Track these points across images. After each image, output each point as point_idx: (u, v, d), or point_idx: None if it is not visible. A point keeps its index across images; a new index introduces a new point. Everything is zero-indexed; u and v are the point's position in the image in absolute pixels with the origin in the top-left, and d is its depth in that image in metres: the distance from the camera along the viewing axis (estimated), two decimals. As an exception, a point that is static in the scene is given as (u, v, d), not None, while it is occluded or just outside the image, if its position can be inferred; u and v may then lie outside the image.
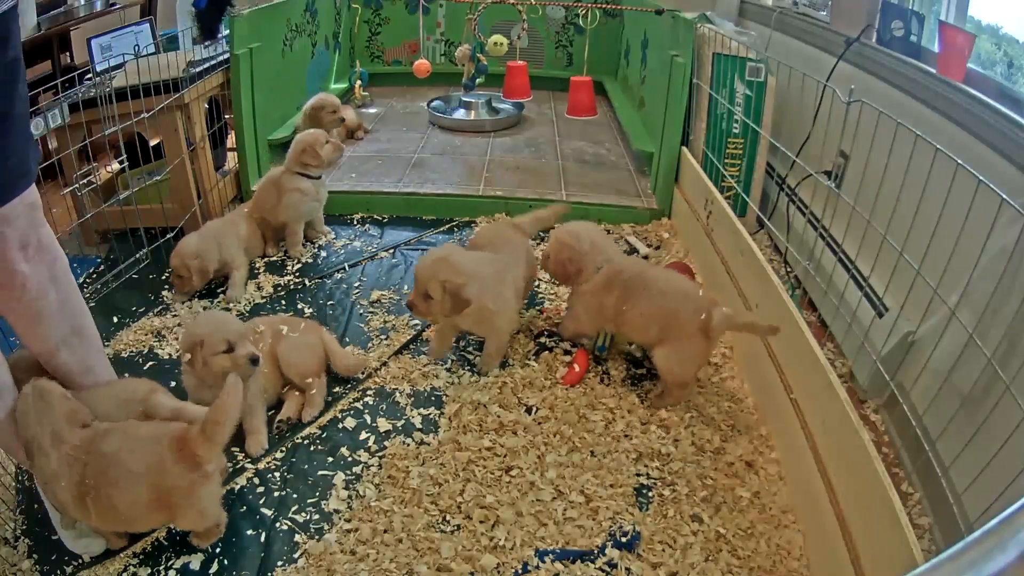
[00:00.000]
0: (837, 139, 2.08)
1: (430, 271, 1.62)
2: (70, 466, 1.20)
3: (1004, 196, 1.18)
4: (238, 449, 1.56)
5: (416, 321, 2.03)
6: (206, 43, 1.99)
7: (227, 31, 2.62)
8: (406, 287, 2.20)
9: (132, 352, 1.88)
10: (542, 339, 1.91)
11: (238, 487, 1.47)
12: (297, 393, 1.69)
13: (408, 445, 1.57)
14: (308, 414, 1.65)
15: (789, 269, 2.29)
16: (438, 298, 1.61)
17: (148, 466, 1.21)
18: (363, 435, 1.61)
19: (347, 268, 2.32)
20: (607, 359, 1.84)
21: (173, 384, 1.75)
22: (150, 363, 1.84)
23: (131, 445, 1.23)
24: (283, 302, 2.13)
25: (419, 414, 1.67)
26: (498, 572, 1.27)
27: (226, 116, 2.79)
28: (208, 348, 1.48)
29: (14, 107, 1.09)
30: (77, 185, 2.04)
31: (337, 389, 1.76)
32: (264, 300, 2.13)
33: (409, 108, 3.78)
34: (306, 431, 1.62)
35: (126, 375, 1.75)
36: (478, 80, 3.40)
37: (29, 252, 1.20)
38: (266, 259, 2.37)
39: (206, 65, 2.48)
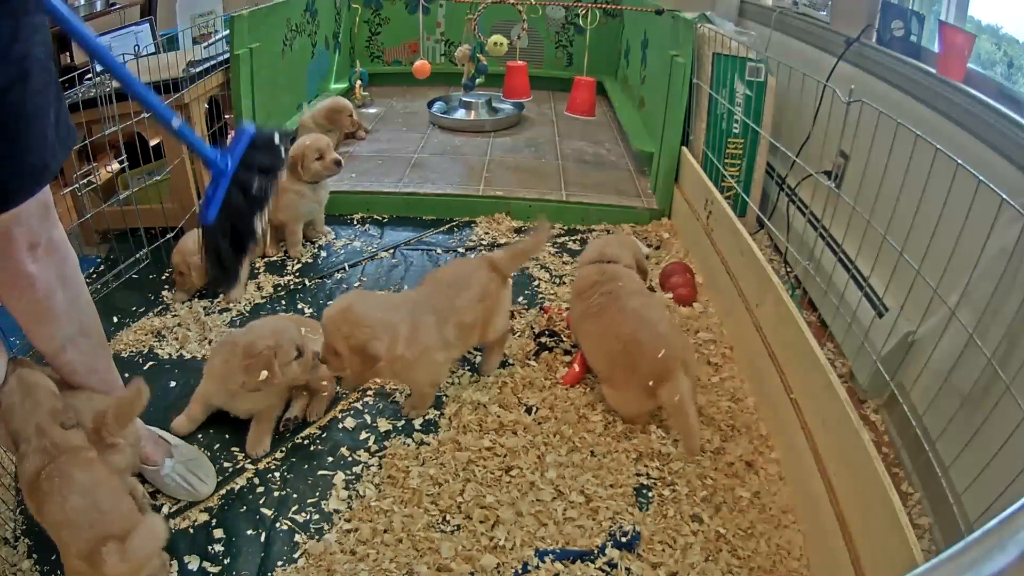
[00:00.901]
0: (837, 139, 2.08)
1: (333, 325, 1.42)
2: (38, 455, 1.17)
3: (1004, 196, 1.18)
4: (238, 449, 1.56)
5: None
6: (220, 290, 1.78)
7: (227, 31, 2.62)
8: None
9: (132, 352, 1.88)
10: (542, 339, 1.91)
11: (238, 487, 1.47)
12: (306, 393, 1.69)
13: (408, 445, 1.57)
14: (315, 412, 1.65)
15: (789, 269, 2.29)
16: (345, 354, 1.42)
17: (74, 522, 1.12)
18: (363, 435, 1.61)
19: (347, 268, 2.32)
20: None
21: (172, 384, 1.75)
22: (150, 363, 1.84)
23: (77, 490, 1.14)
24: (283, 302, 2.13)
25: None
26: (498, 572, 1.27)
27: (226, 116, 2.79)
28: (282, 358, 1.46)
29: (26, 105, 1.03)
30: (77, 185, 2.04)
31: (338, 389, 1.75)
32: (264, 300, 2.13)
33: (409, 108, 3.78)
34: (306, 431, 1.62)
35: (127, 375, 1.75)
36: (478, 80, 3.40)
37: (38, 253, 1.16)
38: (266, 259, 2.36)
39: (206, 65, 2.47)
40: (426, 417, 1.66)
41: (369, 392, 1.75)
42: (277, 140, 1.42)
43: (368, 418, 1.66)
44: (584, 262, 1.79)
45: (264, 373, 1.45)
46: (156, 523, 1.14)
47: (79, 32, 1.14)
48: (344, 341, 1.41)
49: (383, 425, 1.64)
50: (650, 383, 1.50)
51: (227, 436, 1.60)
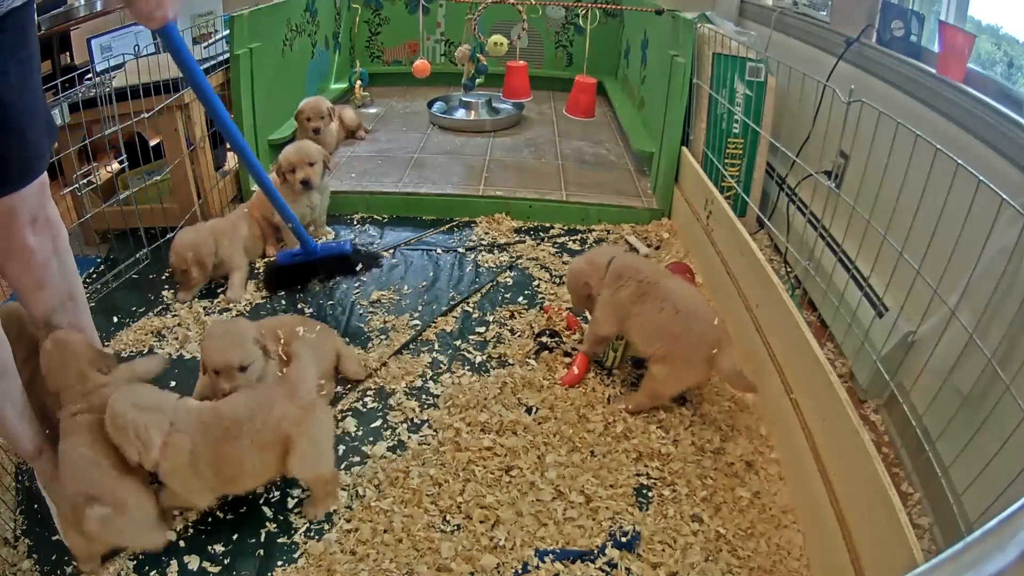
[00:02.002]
0: (837, 139, 2.08)
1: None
2: (77, 401, 1.33)
3: (1004, 196, 1.18)
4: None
5: (416, 321, 2.03)
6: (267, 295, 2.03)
7: (227, 31, 2.62)
8: (406, 287, 2.20)
9: (132, 352, 1.88)
10: (542, 339, 1.91)
11: (238, 487, 1.47)
12: None
13: (408, 445, 1.57)
14: None
15: (789, 269, 2.29)
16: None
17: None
18: (362, 435, 1.61)
19: (347, 268, 2.32)
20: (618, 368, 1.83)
21: (173, 384, 1.75)
22: (150, 363, 1.84)
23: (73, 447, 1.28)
24: (283, 302, 2.13)
25: (419, 414, 1.67)
26: (498, 572, 1.27)
27: (226, 116, 2.79)
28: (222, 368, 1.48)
29: (31, 99, 1.19)
30: (77, 185, 2.04)
31: (337, 389, 1.75)
32: (264, 300, 2.13)
33: (409, 108, 3.78)
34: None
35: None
36: (478, 80, 3.40)
37: (37, 227, 1.31)
38: (266, 259, 2.36)
39: (206, 65, 2.48)
40: (426, 418, 1.66)
41: (369, 393, 1.75)
42: (357, 267, 2.09)
43: (367, 418, 1.66)
44: (598, 277, 1.75)
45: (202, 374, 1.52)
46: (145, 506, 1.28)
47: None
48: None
49: (383, 425, 1.64)
50: (713, 350, 1.56)
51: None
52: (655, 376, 1.62)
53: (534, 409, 1.67)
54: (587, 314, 1.88)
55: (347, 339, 1.93)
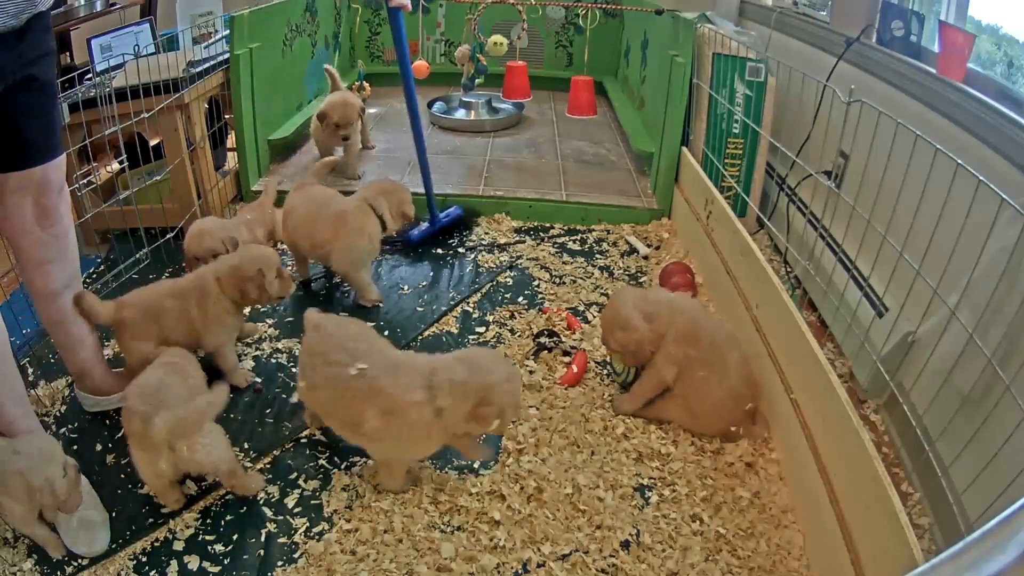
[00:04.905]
0: (837, 139, 2.08)
1: None
2: None
3: (1004, 196, 1.18)
4: (238, 448, 1.56)
5: (416, 321, 2.03)
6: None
7: (227, 31, 2.62)
8: (406, 287, 2.20)
9: (132, 352, 1.88)
10: (541, 339, 1.91)
11: (238, 487, 1.47)
12: None
13: (408, 445, 1.57)
14: None
15: (789, 269, 2.29)
16: None
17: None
18: (363, 435, 1.61)
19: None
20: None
21: (173, 384, 1.75)
22: (150, 363, 1.84)
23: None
24: (283, 303, 2.13)
25: (419, 414, 1.67)
26: (498, 572, 1.27)
27: (226, 116, 2.79)
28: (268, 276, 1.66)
29: (56, 79, 1.38)
30: (77, 185, 2.04)
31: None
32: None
33: (409, 108, 3.78)
34: (306, 431, 1.62)
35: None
36: (478, 80, 3.39)
37: (63, 196, 1.46)
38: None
39: (206, 65, 2.48)
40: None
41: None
42: (465, 225, 2.57)
43: (368, 418, 1.66)
44: (657, 333, 1.61)
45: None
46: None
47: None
48: None
49: (383, 425, 1.64)
50: (748, 405, 1.61)
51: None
52: (671, 409, 1.63)
53: (534, 409, 1.67)
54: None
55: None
